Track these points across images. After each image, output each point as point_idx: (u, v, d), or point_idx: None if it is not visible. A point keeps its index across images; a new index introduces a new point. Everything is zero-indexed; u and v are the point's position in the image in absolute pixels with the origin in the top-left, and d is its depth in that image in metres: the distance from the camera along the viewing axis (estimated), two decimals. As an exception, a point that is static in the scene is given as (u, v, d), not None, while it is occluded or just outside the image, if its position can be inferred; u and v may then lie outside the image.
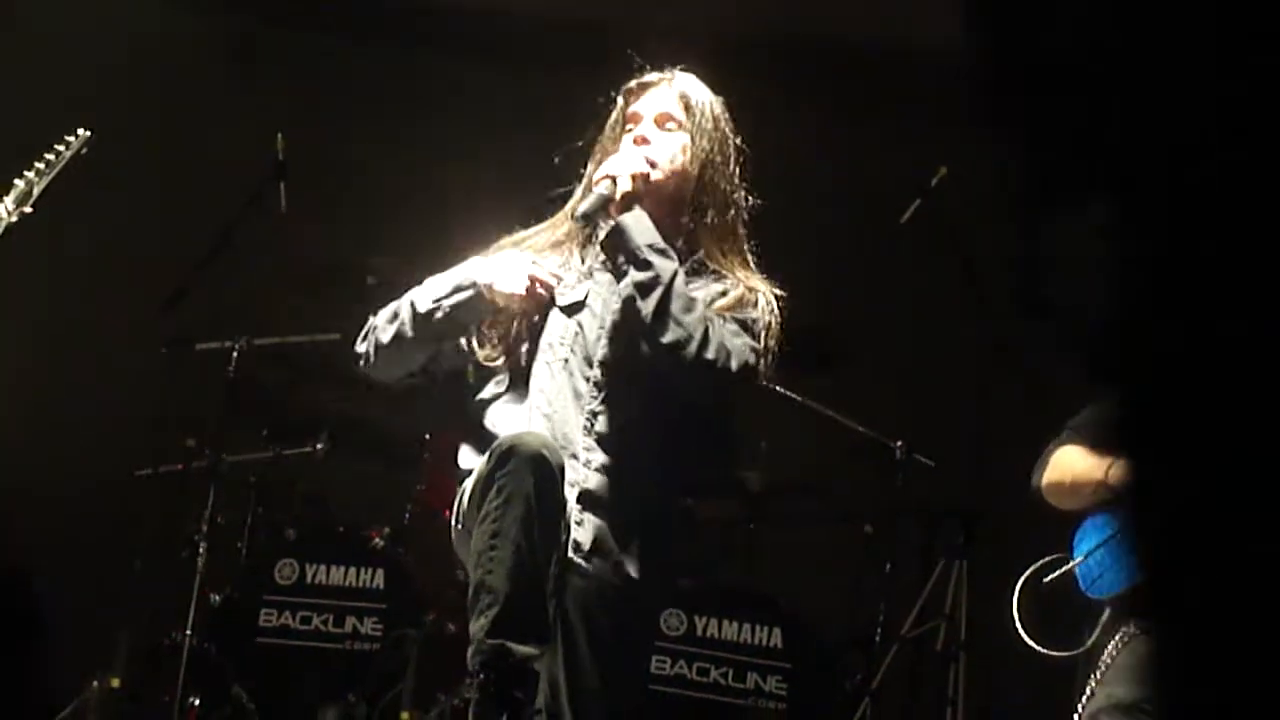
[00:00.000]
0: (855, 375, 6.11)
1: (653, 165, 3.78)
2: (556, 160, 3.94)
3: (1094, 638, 3.84)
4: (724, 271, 3.80)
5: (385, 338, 3.84)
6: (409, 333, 3.80)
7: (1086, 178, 1.19)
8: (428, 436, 6.00)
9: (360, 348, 3.92)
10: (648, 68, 3.96)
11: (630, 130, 3.87)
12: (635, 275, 3.62)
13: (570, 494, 3.57)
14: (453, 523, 3.75)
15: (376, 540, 5.89)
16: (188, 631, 5.59)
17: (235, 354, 6.01)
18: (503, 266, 3.78)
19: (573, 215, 3.75)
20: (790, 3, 6.74)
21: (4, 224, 4.18)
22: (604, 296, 3.79)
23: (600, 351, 3.73)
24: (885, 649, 5.86)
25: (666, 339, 3.57)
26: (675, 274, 3.62)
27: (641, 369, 3.65)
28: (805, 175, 6.69)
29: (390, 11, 7.34)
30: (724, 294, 3.75)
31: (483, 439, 3.75)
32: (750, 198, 3.92)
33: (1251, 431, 1.12)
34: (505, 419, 3.73)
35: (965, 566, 5.70)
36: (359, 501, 6.40)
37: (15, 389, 6.24)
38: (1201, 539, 1.16)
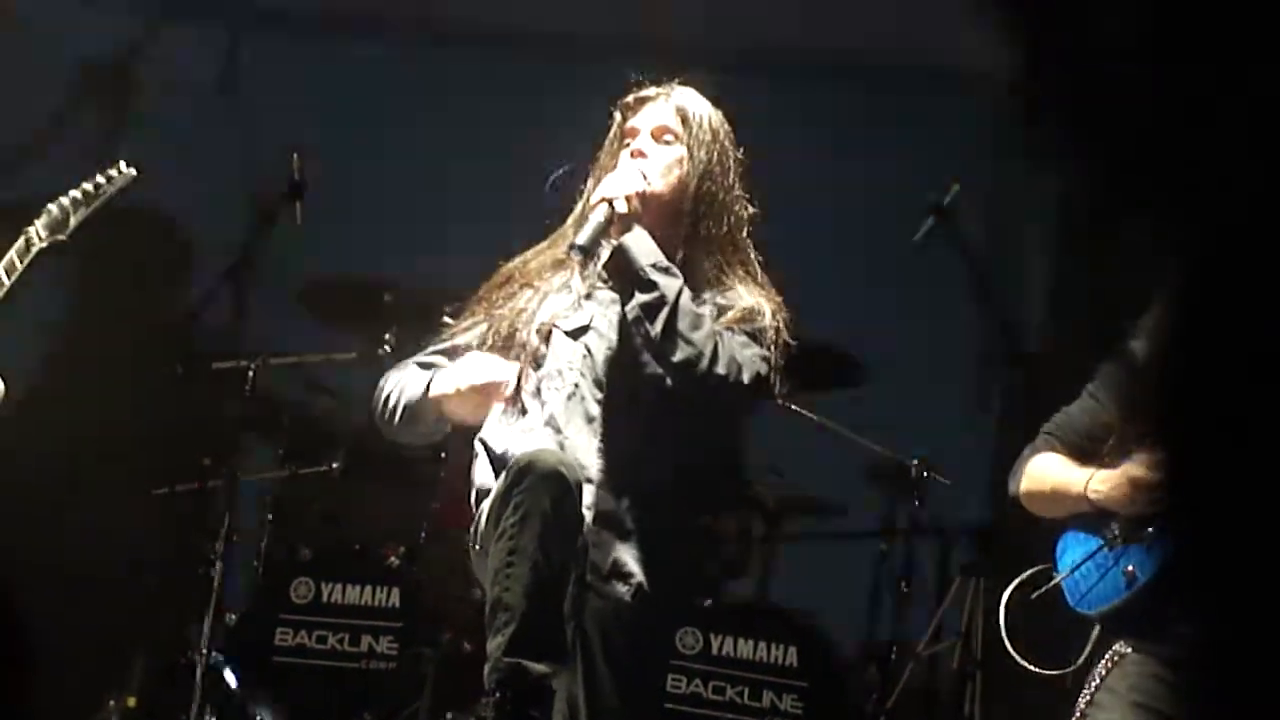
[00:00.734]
0: (871, 393, 6.10)
1: (651, 176, 3.78)
2: (554, 185, 3.95)
3: (1086, 653, 3.81)
4: (727, 284, 3.79)
5: (395, 419, 3.89)
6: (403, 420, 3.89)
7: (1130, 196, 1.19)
8: (443, 455, 6.00)
9: (379, 418, 3.95)
10: (646, 82, 3.96)
11: (628, 145, 3.87)
12: (640, 297, 3.61)
13: (586, 516, 3.56)
14: (471, 543, 3.74)
15: (392, 559, 5.89)
16: (204, 650, 5.58)
17: (251, 372, 6.01)
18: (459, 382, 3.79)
19: (571, 247, 3.72)
20: (805, 18, 6.74)
21: (35, 249, 4.16)
22: (609, 317, 3.78)
23: (609, 373, 3.73)
24: (901, 667, 5.85)
25: (677, 358, 3.57)
26: (680, 291, 3.61)
27: (651, 389, 3.64)
28: (821, 192, 6.69)
29: (409, 31, 7.35)
30: (729, 307, 3.74)
31: (494, 465, 3.76)
32: (751, 206, 3.91)
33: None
34: (517, 444, 3.72)
35: (981, 584, 5.68)
36: (374, 520, 6.39)
37: (32, 407, 6.25)
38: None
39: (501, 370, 3.75)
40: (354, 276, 6.33)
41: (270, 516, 6.11)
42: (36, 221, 4.14)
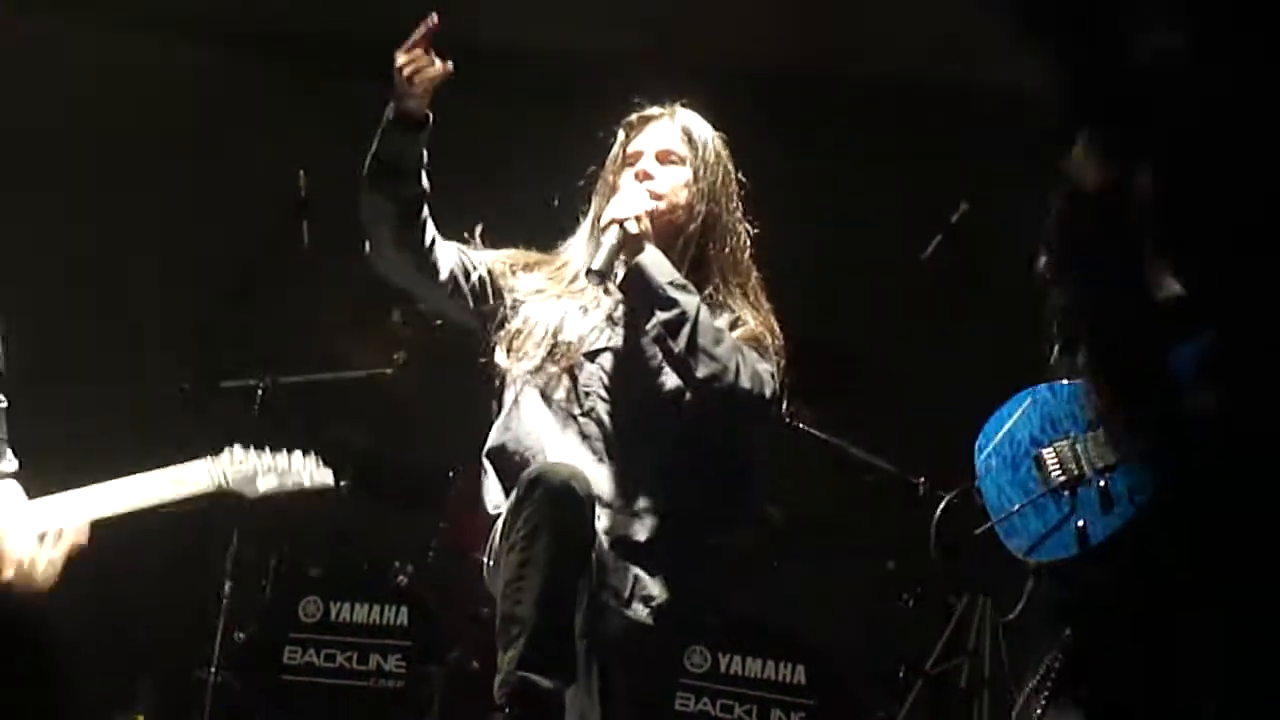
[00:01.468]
0: (878, 411, 6.10)
1: (658, 199, 3.79)
2: (555, 203, 3.96)
3: (1021, 605, 3.68)
4: (731, 304, 3.80)
5: (364, 217, 3.93)
6: (368, 192, 3.95)
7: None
8: (451, 474, 6.01)
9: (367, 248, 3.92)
10: (646, 103, 3.97)
11: (631, 166, 3.88)
12: (661, 315, 3.62)
13: (604, 539, 3.56)
14: (486, 560, 3.74)
15: (400, 578, 5.90)
16: (213, 669, 5.59)
17: (260, 392, 6.02)
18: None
19: (587, 272, 3.71)
20: (811, 37, 6.75)
21: (218, 487, 4.20)
22: (624, 338, 3.80)
23: (626, 394, 3.74)
24: (909, 686, 5.84)
25: (702, 373, 3.58)
26: (699, 308, 3.64)
27: (669, 408, 3.65)
28: (829, 211, 6.71)
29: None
30: (737, 322, 3.76)
31: (491, 471, 3.77)
32: (753, 227, 3.93)
33: None
34: (514, 452, 3.74)
35: (988, 603, 5.68)
36: (383, 539, 6.40)
37: (39, 426, 6.26)
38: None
39: None
40: (361, 295, 6.33)
41: (279, 535, 6.12)
42: (229, 461, 4.14)
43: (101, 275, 6.89)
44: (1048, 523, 3.52)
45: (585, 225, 3.95)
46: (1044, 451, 3.53)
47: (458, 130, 6.68)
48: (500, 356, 3.85)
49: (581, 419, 3.74)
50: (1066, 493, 3.50)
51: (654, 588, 3.59)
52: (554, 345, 3.81)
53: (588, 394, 3.75)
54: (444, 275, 3.82)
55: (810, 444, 5.91)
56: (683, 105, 3.98)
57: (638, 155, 3.89)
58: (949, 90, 6.56)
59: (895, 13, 6.61)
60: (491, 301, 3.90)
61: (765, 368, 3.68)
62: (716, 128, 4.01)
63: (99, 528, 4.05)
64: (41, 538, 3.87)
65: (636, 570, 3.58)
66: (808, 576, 6.39)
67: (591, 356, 3.80)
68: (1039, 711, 3.50)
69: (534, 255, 3.99)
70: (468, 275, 3.88)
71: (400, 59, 3.61)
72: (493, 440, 3.83)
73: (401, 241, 3.78)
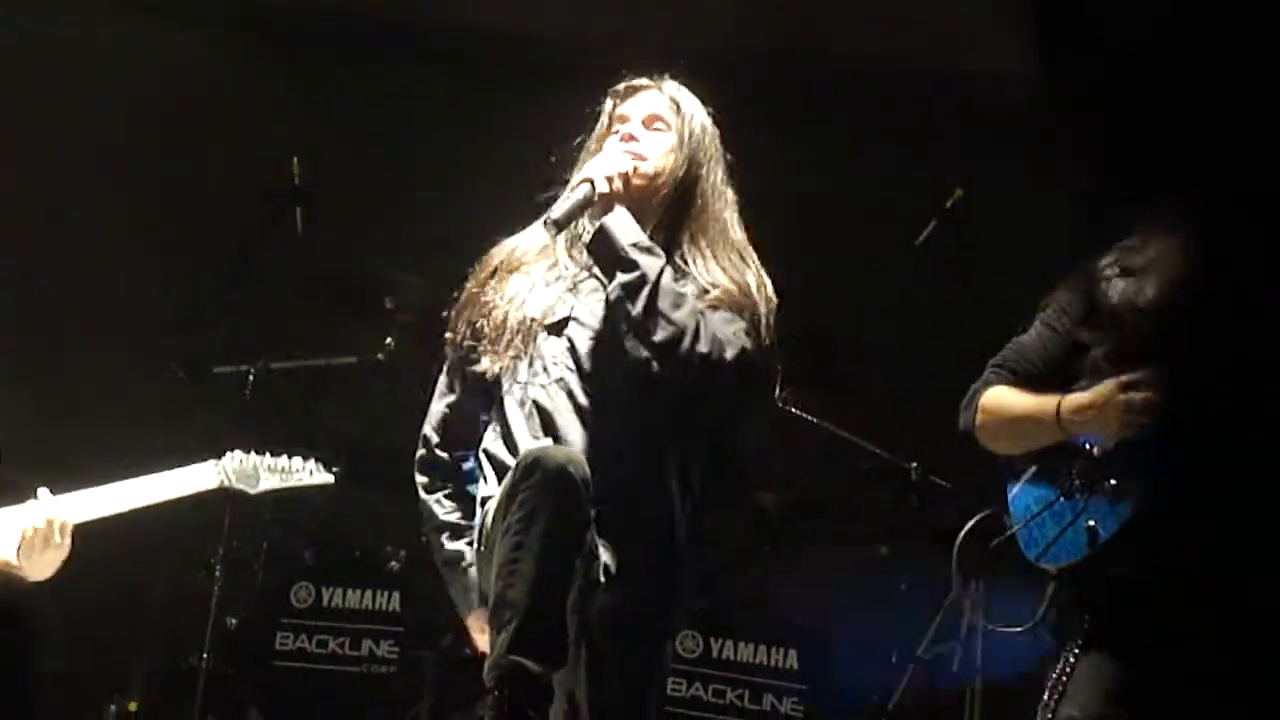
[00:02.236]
0: (870, 397, 6.10)
1: (641, 159, 3.77)
2: (553, 159, 3.93)
3: (1042, 609, 3.67)
4: (717, 267, 3.76)
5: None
6: None
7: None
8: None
9: None
10: (636, 75, 3.96)
11: (616, 131, 3.87)
12: (622, 276, 3.60)
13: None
14: (475, 544, 3.74)
15: (392, 563, 5.90)
16: (205, 655, 5.59)
17: (252, 377, 6.02)
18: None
19: (545, 221, 3.68)
20: (806, 23, 6.74)
21: (221, 485, 4.28)
22: (591, 307, 3.77)
23: (595, 362, 3.71)
24: (901, 670, 5.85)
25: (659, 337, 3.55)
26: (662, 270, 3.59)
27: (637, 376, 3.62)
28: (822, 195, 6.70)
29: (405, 33, 7.36)
30: (713, 285, 3.71)
31: (487, 468, 3.76)
32: (741, 218, 3.90)
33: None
34: (508, 446, 3.72)
35: (982, 588, 5.68)
36: (374, 525, 6.40)
37: (31, 413, 6.25)
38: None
39: None
40: (354, 281, 6.33)
41: (270, 521, 6.11)
42: (227, 463, 4.24)
43: (92, 261, 6.88)
44: (1061, 526, 3.53)
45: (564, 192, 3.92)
46: (1066, 464, 3.56)
47: (461, 122, 6.68)
48: (485, 362, 3.83)
49: (550, 389, 3.71)
50: (1079, 496, 3.52)
51: (634, 565, 3.57)
52: (518, 324, 3.79)
53: (555, 363, 3.73)
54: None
55: (803, 429, 5.91)
56: (676, 80, 3.96)
57: (624, 119, 3.88)
58: (941, 75, 6.55)
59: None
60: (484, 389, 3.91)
61: (733, 330, 3.62)
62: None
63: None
64: (42, 535, 3.90)
65: (617, 547, 3.55)
66: (800, 561, 6.40)
67: (556, 329, 3.78)
68: (1058, 698, 3.51)
69: (483, 275, 3.95)
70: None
71: None
72: (486, 441, 3.82)
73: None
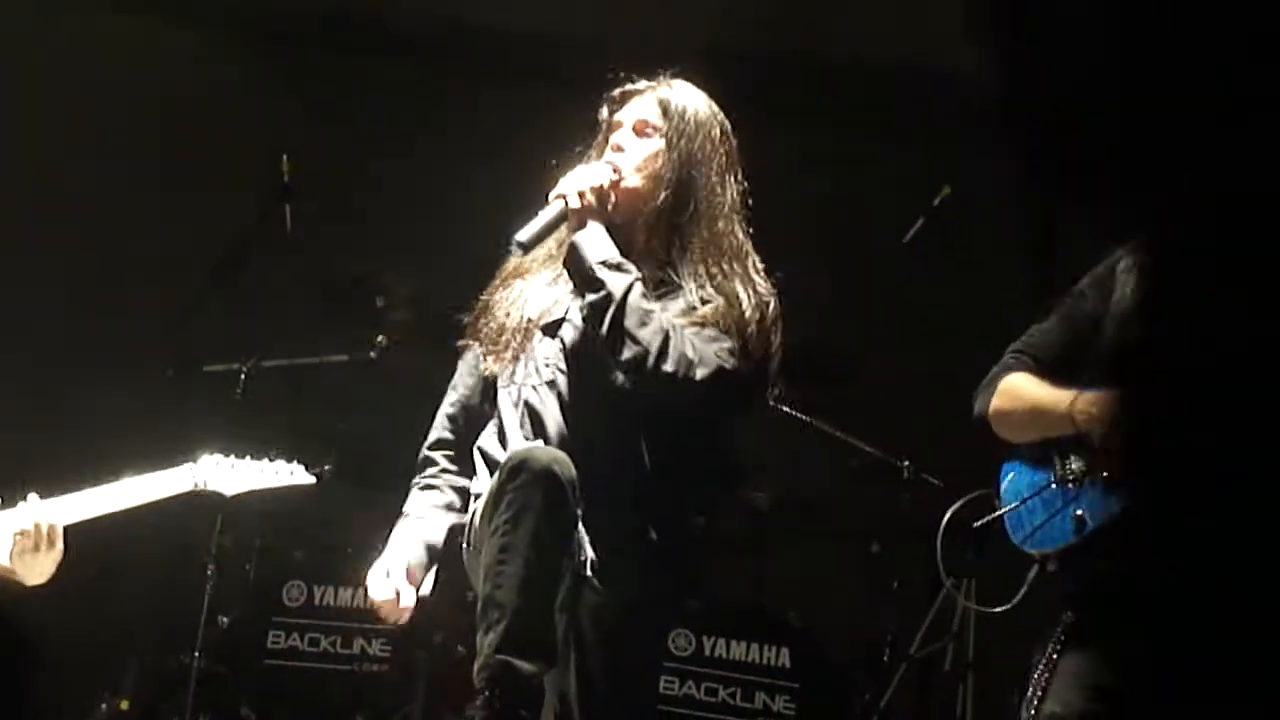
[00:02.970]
0: (862, 395, 6.10)
1: (619, 172, 3.75)
2: (556, 165, 3.91)
3: (1023, 591, 3.66)
4: (711, 277, 3.72)
5: None
6: None
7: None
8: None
9: None
10: (637, 79, 3.93)
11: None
12: (589, 296, 3.59)
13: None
14: (464, 544, 3.74)
15: (384, 562, 5.89)
16: (196, 653, 5.58)
17: (243, 375, 6.01)
18: (379, 576, 3.82)
19: (513, 242, 3.66)
20: (796, 21, 6.74)
21: (195, 487, 4.30)
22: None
23: (579, 367, 3.70)
24: (893, 668, 5.85)
25: (625, 355, 3.53)
26: (629, 288, 3.56)
27: (616, 387, 3.61)
28: (812, 192, 6.71)
29: (399, 31, 7.35)
30: (703, 302, 3.67)
31: (480, 464, 3.76)
32: (744, 199, 3.86)
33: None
34: (502, 444, 3.72)
35: (973, 585, 5.69)
36: (366, 523, 6.38)
37: (22, 412, 6.25)
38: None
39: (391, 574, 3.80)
40: (344, 280, 6.32)
41: (262, 520, 6.11)
42: (203, 465, 4.26)
43: (83, 260, 6.87)
44: (1050, 512, 3.53)
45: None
46: (1064, 451, 3.56)
47: (453, 122, 6.67)
48: (488, 362, 3.83)
49: (541, 390, 3.71)
50: (1072, 485, 3.52)
51: (624, 563, 3.56)
52: (517, 324, 3.79)
53: (548, 364, 3.73)
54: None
55: (795, 427, 5.91)
56: (675, 79, 3.93)
57: (617, 128, 3.86)
58: (929, 73, 6.55)
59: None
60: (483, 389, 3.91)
61: (713, 349, 3.57)
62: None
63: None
64: (33, 540, 3.92)
65: (607, 545, 3.54)
66: (792, 560, 6.40)
67: (551, 330, 3.77)
68: (1041, 692, 3.50)
69: (496, 282, 3.95)
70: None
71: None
72: (482, 438, 3.82)
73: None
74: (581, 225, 3.66)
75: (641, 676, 3.81)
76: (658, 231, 3.75)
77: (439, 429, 3.97)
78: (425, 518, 3.85)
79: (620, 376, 3.58)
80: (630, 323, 3.52)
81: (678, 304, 3.65)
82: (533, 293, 3.84)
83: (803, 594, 6.18)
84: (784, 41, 6.87)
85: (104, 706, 5.80)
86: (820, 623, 6.00)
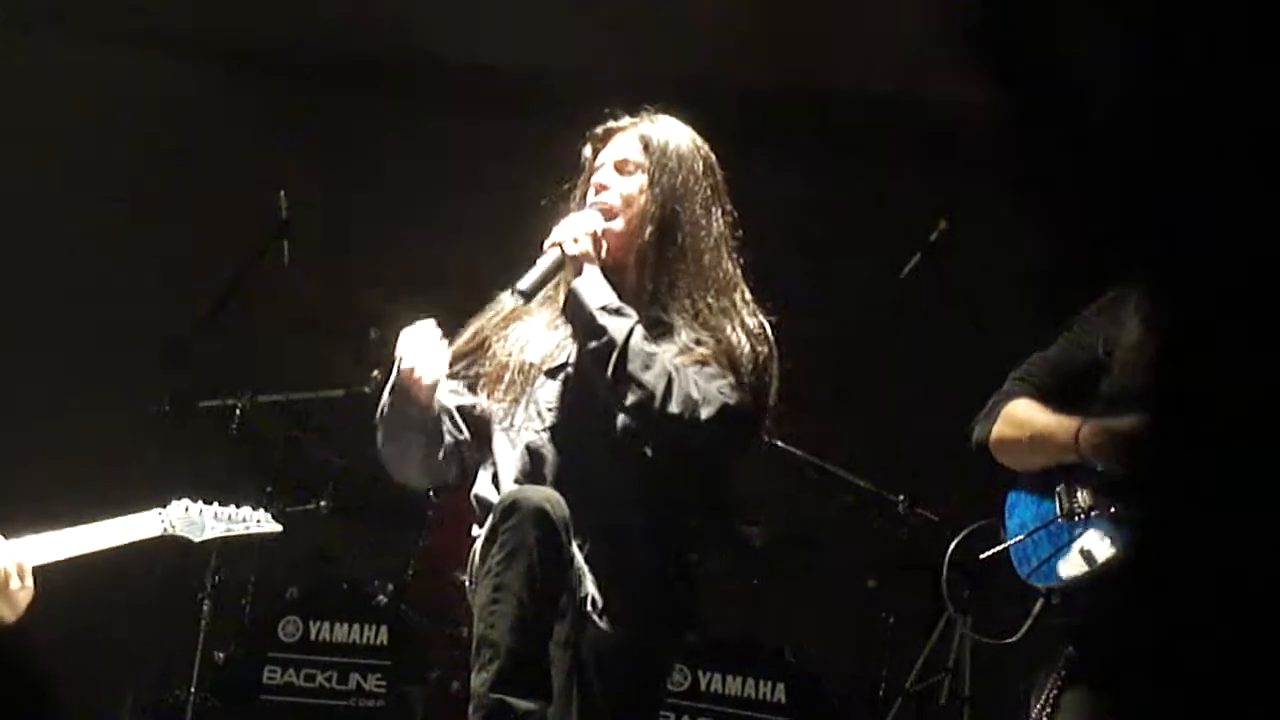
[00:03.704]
0: (858, 430, 6.11)
1: (609, 213, 3.75)
2: (545, 204, 3.92)
3: (1027, 625, 3.63)
4: (701, 314, 3.72)
5: (379, 444, 3.86)
6: (382, 438, 3.84)
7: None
8: (430, 493, 5.99)
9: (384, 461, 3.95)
10: (621, 115, 3.92)
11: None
12: (591, 343, 3.59)
13: (578, 554, 3.54)
14: (468, 583, 3.72)
15: (380, 597, 5.89)
16: (192, 689, 5.58)
17: (238, 411, 6.01)
18: (416, 351, 3.76)
19: (512, 291, 3.67)
20: (791, 54, 6.76)
21: (161, 535, 4.33)
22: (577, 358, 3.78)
23: (581, 411, 3.70)
24: (890, 703, 5.84)
25: (630, 400, 3.52)
26: (630, 332, 3.55)
27: (620, 430, 3.62)
28: (808, 227, 6.72)
29: (393, 68, 7.37)
30: (698, 342, 3.67)
31: (477, 509, 3.76)
32: (734, 231, 3.85)
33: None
34: (497, 488, 3.72)
35: (969, 620, 5.68)
36: (362, 558, 6.39)
37: (17, 448, 6.25)
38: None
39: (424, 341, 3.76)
40: (339, 314, 6.32)
41: (257, 555, 6.10)
42: (171, 510, 4.29)
43: (77, 294, 6.87)
44: (1055, 546, 3.52)
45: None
46: (1070, 484, 3.54)
47: (448, 155, 6.70)
48: (481, 399, 3.83)
49: (542, 435, 3.71)
50: (1079, 519, 3.51)
51: (614, 602, 3.56)
52: (519, 368, 3.79)
53: (549, 409, 3.73)
54: (454, 470, 3.85)
55: (790, 462, 5.90)
56: (658, 114, 3.92)
57: (599, 167, 3.86)
58: (926, 106, 6.56)
59: (871, 28, 6.64)
60: (475, 427, 3.89)
61: (716, 387, 3.58)
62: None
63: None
64: (1, 579, 3.91)
65: (596, 583, 3.55)
66: (788, 595, 6.39)
67: (553, 374, 3.78)
68: None
69: (490, 316, 3.93)
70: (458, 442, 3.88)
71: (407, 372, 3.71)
72: (478, 484, 3.82)
73: (425, 470, 3.86)
74: (579, 271, 3.66)
75: (643, 711, 3.80)
76: (646, 268, 3.74)
77: None
78: None
79: (625, 420, 3.58)
80: (634, 367, 3.53)
81: (673, 345, 3.65)
82: (533, 335, 3.84)
83: (799, 629, 6.17)
84: (779, 74, 6.89)
85: (99, 742, 5.79)
86: (816, 657, 5.99)
